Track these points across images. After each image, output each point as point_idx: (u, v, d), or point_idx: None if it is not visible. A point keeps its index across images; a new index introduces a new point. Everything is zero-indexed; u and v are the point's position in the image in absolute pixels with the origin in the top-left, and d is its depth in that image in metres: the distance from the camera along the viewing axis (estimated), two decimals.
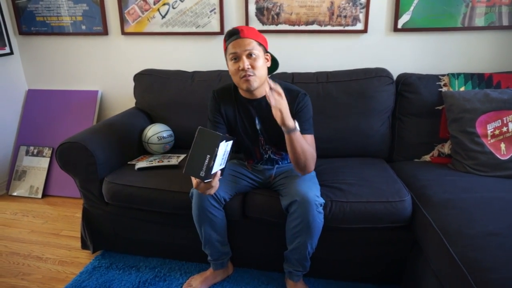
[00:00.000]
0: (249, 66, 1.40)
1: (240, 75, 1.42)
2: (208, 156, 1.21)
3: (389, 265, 1.61)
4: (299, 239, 1.42)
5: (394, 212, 1.48)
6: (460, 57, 2.07)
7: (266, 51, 1.49)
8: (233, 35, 1.43)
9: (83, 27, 2.42)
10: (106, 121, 2.02)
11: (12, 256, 1.90)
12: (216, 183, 1.31)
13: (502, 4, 1.95)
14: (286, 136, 1.38)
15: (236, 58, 1.42)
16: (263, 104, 1.51)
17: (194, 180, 1.32)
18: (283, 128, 1.37)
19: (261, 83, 1.46)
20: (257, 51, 1.42)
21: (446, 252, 1.20)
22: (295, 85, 1.59)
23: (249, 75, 1.41)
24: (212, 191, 1.35)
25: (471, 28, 2.00)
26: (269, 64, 1.50)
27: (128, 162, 1.90)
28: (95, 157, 1.71)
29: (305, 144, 1.41)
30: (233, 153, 1.72)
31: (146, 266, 1.79)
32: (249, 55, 1.41)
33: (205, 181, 1.25)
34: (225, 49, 1.47)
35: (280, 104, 1.33)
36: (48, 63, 2.60)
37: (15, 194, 2.54)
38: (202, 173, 1.21)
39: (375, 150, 1.95)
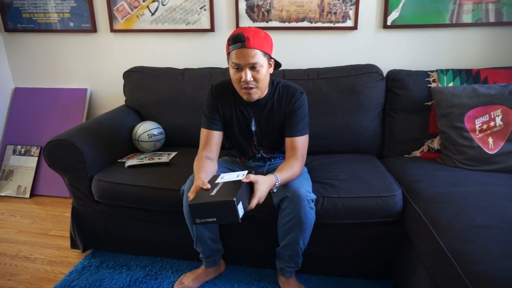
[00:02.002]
0: (252, 79, 1.37)
1: (241, 86, 1.41)
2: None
3: (380, 260, 1.62)
4: (291, 235, 1.42)
5: (385, 207, 1.49)
6: (448, 53, 2.09)
7: (270, 57, 1.44)
8: (238, 42, 1.34)
9: (71, 24, 2.39)
10: (96, 119, 2.00)
11: None
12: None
13: (488, 2, 1.97)
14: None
15: (239, 68, 1.38)
16: (261, 106, 1.50)
17: (195, 183, 1.29)
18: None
19: (262, 92, 1.45)
20: (261, 61, 1.37)
21: (436, 244, 1.22)
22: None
23: (251, 88, 1.39)
24: None
25: (459, 25, 2.03)
26: (271, 70, 1.47)
27: (118, 160, 1.88)
28: (84, 154, 1.69)
29: (290, 176, 1.39)
30: (226, 150, 1.72)
31: (137, 264, 1.77)
32: (252, 67, 1.36)
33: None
34: (228, 53, 1.41)
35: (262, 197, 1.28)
36: (36, 60, 2.55)
37: (2, 194, 2.49)
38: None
39: (366, 146, 1.96)
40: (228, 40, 1.39)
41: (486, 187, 1.47)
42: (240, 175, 1.27)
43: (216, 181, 1.27)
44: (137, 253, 1.84)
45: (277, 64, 1.51)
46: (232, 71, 1.42)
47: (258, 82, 1.39)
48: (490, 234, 1.16)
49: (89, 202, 1.76)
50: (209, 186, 1.24)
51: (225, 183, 1.25)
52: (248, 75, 1.36)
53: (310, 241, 1.47)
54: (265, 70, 1.39)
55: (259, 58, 1.35)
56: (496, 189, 1.44)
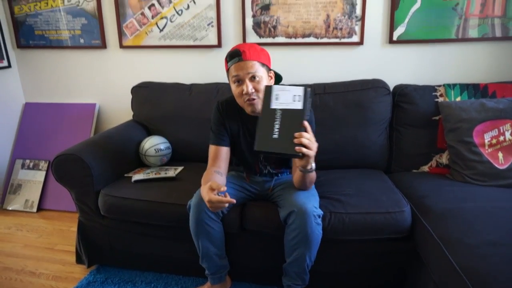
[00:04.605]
0: (253, 90, 1.40)
1: (244, 99, 1.43)
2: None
3: (389, 277, 1.58)
4: (298, 251, 1.39)
5: (394, 223, 1.46)
6: (455, 68, 2.09)
7: (269, 69, 1.48)
8: (235, 56, 1.41)
9: (82, 40, 2.44)
10: (103, 134, 2.01)
11: (4, 271, 1.86)
12: (229, 199, 1.29)
13: (494, 16, 1.98)
14: (299, 173, 1.36)
15: (239, 81, 1.42)
16: None
17: (207, 196, 1.30)
18: (299, 168, 1.34)
19: None
20: (260, 72, 1.41)
21: (447, 262, 1.19)
22: None
23: (253, 99, 1.41)
24: (224, 206, 1.33)
25: (465, 40, 2.03)
26: (272, 82, 1.50)
27: (125, 175, 1.89)
28: (91, 169, 1.70)
29: (314, 176, 1.40)
30: (232, 165, 1.72)
31: (142, 280, 1.75)
32: (252, 78, 1.40)
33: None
34: (227, 70, 1.47)
35: (313, 152, 1.26)
36: (46, 76, 2.60)
37: (10, 208, 2.51)
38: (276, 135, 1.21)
39: (373, 161, 1.94)
40: (226, 58, 1.45)
41: (497, 203, 1.44)
42: (296, 98, 1.24)
43: (272, 106, 1.25)
44: (142, 269, 1.82)
45: (278, 76, 1.53)
46: (233, 87, 1.45)
47: (259, 93, 1.41)
48: (503, 252, 1.13)
49: (95, 216, 1.76)
50: (225, 188, 1.29)
51: (284, 116, 1.23)
52: (249, 86, 1.39)
53: (317, 258, 1.44)
54: (265, 81, 1.43)
55: (257, 68, 1.40)
56: (508, 205, 1.42)
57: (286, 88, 1.26)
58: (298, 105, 1.23)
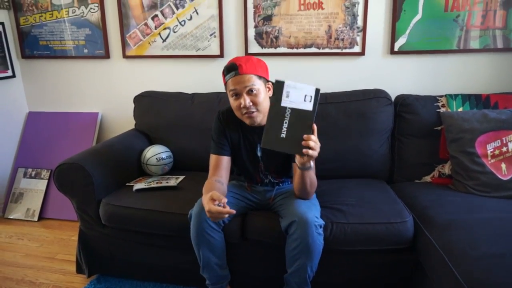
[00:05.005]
0: (251, 103, 1.41)
1: (242, 112, 1.44)
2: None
3: None
4: (299, 261, 1.38)
5: (396, 233, 1.45)
6: (457, 79, 2.09)
7: (267, 81, 1.49)
8: (231, 70, 1.42)
9: (85, 50, 2.46)
10: (105, 143, 2.02)
11: (4, 281, 1.85)
12: (229, 210, 1.29)
13: (495, 28, 1.99)
14: (299, 171, 1.36)
15: (237, 94, 1.43)
16: None
17: (207, 206, 1.30)
18: (298, 165, 1.34)
19: (264, 115, 1.47)
20: (258, 85, 1.42)
21: (450, 273, 1.17)
22: None
23: (252, 112, 1.42)
24: (223, 217, 1.32)
25: (467, 51, 2.04)
26: (271, 93, 1.50)
27: (126, 184, 1.89)
28: (93, 177, 1.70)
29: (314, 177, 1.40)
30: (233, 175, 1.71)
31: None
32: (250, 91, 1.41)
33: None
34: (225, 83, 1.48)
35: (317, 153, 1.26)
36: (50, 85, 2.62)
37: (11, 217, 2.50)
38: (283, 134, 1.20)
39: (375, 171, 1.94)
40: (223, 71, 1.46)
41: (501, 214, 1.43)
42: (308, 98, 1.21)
43: (282, 104, 1.22)
44: (143, 279, 1.81)
45: None
46: (231, 100, 1.46)
47: (257, 106, 1.42)
48: (507, 263, 1.12)
49: (96, 225, 1.76)
50: (225, 200, 1.28)
51: (293, 116, 1.22)
52: (247, 100, 1.40)
53: (319, 268, 1.43)
54: (263, 93, 1.43)
55: (254, 81, 1.41)
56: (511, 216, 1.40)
57: (298, 86, 1.22)
58: (309, 106, 1.22)
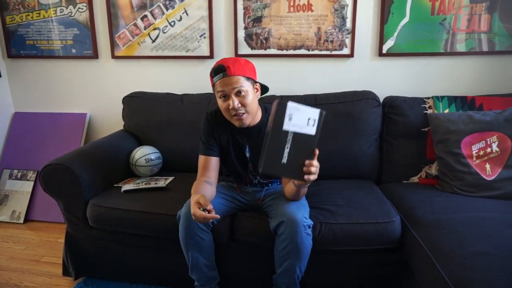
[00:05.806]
0: (239, 105, 1.41)
1: (230, 113, 1.44)
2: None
3: None
4: (288, 262, 1.38)
5: (384, 233, 1.46)
6: (443, 81, 2.13)
7: (255, 82, 1.49)
8: (219, 72, 1.41)
9: (74, 50, 2.44)
10: (93, 143, 2.00)
11: None
12: (213, 216, 1.28)
13: (480, 32, 2.03)
14: (293, 187, 1.36)
15: (225, 96, 1.43)
16: (254, 133, 1.52)
17: (192, 209, 1.29)
18: (295, 185, 1.33)
19: (253, 116, 1.47)
20: (246, 86, 1.42)
21: (437, 273, 1.19)
22: None
23: (242, 113, 1.42)
24: (208, 221, 1.33)
25: (453, 54, 2.07)
26: (259, 94, 1.51)
27: (115, 185, 1.87)
28: (80, 179, 1.67)
29: (306, 190, 1.41)
30: (222, 176, 1.71)
31: None
32: (238, 93, 1.41)
33: None
34: (213, 85, 1.48)
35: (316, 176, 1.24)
36: (37, 86, 2.58)
37: None
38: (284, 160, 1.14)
39: (363, 172, 1.95)
40: (211, 73, 1.46)
41: (486, 213, 1.45)
42: (311, 121, 1.14)
43: (284, 127, 1.14)
44: (130, 281, 1.79)
45: (264, 88, 1.54)
46: (219, 101, 1.46)
47: (246, 107, 1.42)
48: (492, 262, 1.13)
49: (84, 227, 1.73)
50: (211, 207, 1.28)
51: (295, 140, 1.15)
52: (235, 101, 1.40)
53: (308, 269, 1.43)
54: (251, 95, 1.43)
55: (242, 83, 1.40)
56: (496, 216, 1.43)
57: (301, 108, 1.14)
58: (312, 130, 1.16)
